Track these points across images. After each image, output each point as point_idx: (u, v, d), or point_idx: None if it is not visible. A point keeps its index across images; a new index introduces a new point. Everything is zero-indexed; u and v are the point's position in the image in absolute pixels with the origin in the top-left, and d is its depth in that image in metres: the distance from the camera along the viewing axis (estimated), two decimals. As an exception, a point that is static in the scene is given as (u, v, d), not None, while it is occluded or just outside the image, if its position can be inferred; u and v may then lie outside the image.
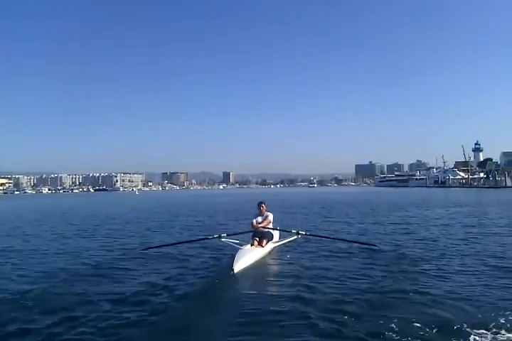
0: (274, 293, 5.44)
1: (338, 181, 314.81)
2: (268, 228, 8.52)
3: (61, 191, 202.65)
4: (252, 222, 8.57)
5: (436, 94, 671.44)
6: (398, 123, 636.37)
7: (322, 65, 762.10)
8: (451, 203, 27.37)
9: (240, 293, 5.46)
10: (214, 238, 7.98)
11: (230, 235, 8.20)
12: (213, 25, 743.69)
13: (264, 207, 8.85)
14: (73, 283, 6.07)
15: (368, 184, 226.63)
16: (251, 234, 8.40)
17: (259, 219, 8.64)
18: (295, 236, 8.59)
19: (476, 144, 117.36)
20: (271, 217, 8.71)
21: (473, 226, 12.83)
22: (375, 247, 8.05)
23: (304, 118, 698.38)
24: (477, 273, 6.32)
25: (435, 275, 6.14)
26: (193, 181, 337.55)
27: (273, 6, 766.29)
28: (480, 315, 4.30)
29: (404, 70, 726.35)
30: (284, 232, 8.97)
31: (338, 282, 5.81)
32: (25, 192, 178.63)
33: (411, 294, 5.09)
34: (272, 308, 4.64)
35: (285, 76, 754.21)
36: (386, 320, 4.14)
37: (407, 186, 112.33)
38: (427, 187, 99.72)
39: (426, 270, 6.52)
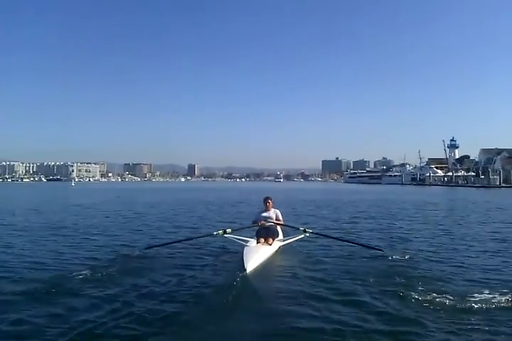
0: (295, 293, 5.16)
1: (305, 176, 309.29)
2: (277, 223, 8.17)
3: (9, 180, 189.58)
4: (259, 219, 8.13)
5: (403, 93, 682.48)
6: (365, 120, 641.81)
7: (297, 61, 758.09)
8: None
9: (260, 293, 5.15)
10: (218, 235, 7.77)
11: (236, 230, 8.20)
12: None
13: (270, 202, 8.40)
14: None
15: (335, 180, 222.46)
16: (255, 231, 8.10)
17: (266, 215, 8.21)
18: (302, 235, 8.29)
19: (451, 140, 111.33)
20: (279, 213, 8.34)
21: None
22: (380, 252, 7.43)
23: (272, 113, 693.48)
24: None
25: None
26: (157, 173, 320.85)
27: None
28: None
29: (381, 69, 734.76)
30: (289, 230, 8.71)
31: (357, 283, 5.58)
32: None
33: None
34: (295, 309, 4.54)
35: (254, 73, 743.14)
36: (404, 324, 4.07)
37: (380, 183, 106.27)
38: (402, 184, 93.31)
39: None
